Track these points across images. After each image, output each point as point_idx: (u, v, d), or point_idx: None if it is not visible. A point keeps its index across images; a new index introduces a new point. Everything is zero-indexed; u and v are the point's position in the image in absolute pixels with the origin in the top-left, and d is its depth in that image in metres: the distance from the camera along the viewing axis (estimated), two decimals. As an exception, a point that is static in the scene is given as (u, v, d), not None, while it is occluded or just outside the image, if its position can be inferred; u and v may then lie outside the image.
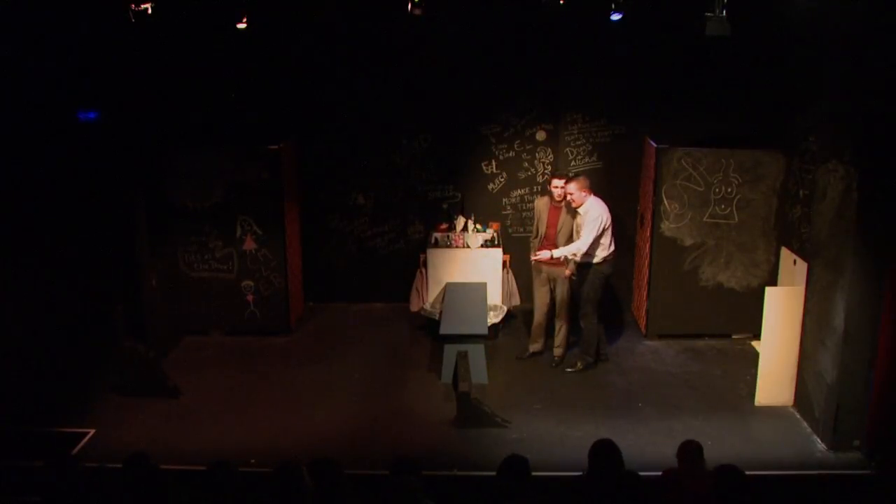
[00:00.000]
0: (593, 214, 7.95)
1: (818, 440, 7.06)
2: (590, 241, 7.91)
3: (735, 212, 8.73)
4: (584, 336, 8.37)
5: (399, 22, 7.83)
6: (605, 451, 4.54)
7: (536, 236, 8.47)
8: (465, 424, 7.31)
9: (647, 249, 8.98)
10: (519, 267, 9.45)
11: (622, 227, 9.31)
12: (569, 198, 8.07)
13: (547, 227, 8.29)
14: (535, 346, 8.65)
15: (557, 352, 8.55)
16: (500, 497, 4.17)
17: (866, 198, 6.48)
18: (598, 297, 8.21)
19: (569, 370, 8.39)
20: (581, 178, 8.11)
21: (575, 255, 8.00)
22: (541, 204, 8.41)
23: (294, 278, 9.48)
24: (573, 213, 8.17)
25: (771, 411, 7.57)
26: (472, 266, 9.04)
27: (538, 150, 9.72)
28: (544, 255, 8.03)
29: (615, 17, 7.45)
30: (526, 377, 8.30)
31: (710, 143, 8.69)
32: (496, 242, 9.25)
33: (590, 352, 8.39)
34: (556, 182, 8.17)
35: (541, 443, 7.00)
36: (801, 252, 8.08)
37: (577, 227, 8.17)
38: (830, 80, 7.07)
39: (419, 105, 9.57)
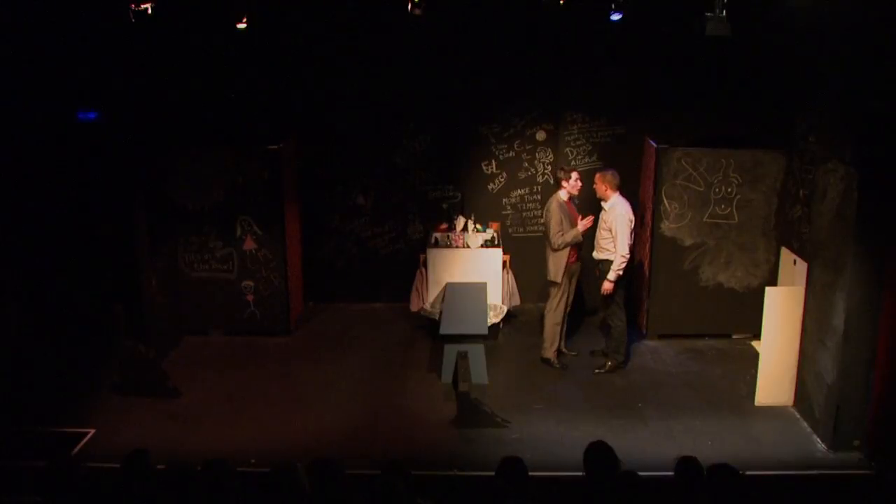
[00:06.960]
0: (618, 212, 7.94)
1: (818, 440, 7.06)
2: (626, 242, 7.90)
3: (735, 212, 8.73)
4: (613, 335, 8.32)
5: (399, 22, 7.82)
6: (599, 453, 4.53)
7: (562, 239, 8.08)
8: (465, 424, 7.31)
9: (647, 249, 8.98)
10: (519, 267, 9.46)
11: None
12: (598, 190, 8.08)
13: (573, 225, 8.12)
14: (561, 344, 8.60)
15: (563, 345, 8.61)
16: (498, 498, 4.16)
17: (866, 198, 6.48)
18: (623, 295, 8.21)
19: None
20: (611, 172, 8.09)
21: (625, 257, 7.93)
22: (556, 205, 8.09)
23: (294, 278, 9.48)
24: (576, 207, 8.22)
25: (771, 411, 7.57)
26: (472, 266, 9.03)
27: (538, 150, 9.72)
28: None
29: (615, 17, 7.47)
30: (526, 377, 8.30)
31: (710, 143, 8.70)
32: (496, 242, 9.24)
33: (620, 350, 8.37)
34: (576, 175, 8.12)
35: (541, 443, 7.00)
36: (801, 252, 8.07)
37: (601, 223, 8.13)
38: (830, 80, 7.07)
39: (419, 105, 9.56)
